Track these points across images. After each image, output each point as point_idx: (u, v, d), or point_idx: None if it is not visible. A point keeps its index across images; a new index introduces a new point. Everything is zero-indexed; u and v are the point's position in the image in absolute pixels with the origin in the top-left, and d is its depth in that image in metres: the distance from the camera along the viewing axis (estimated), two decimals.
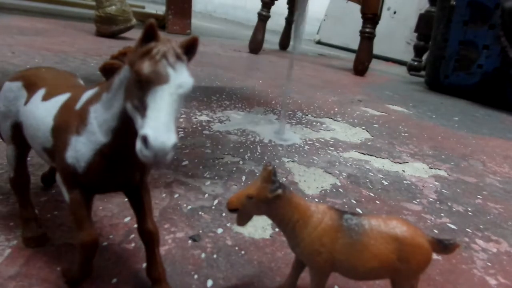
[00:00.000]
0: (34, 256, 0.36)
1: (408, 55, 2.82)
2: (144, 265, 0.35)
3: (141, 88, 0.24)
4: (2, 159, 0.53)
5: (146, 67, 0.24)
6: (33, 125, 0.33)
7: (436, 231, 0.54)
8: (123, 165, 0.29)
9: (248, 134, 0.81)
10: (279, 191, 0.30)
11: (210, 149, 0.69)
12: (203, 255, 0.41)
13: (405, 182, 0.70)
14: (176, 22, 2.20)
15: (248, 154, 0.70)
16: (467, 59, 1.75)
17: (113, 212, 0.45)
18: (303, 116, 1.03)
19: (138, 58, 0.24)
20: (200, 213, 0.49)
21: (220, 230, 0.45)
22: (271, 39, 2.71)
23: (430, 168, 0.80)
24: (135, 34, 1.76)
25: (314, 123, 0.98)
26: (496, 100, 1.70)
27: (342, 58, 2.74)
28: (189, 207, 0.50)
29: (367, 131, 1.00)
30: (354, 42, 2.49)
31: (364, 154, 0.82)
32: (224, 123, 0.85)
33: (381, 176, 0.71)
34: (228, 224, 0.47)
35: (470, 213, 0.61)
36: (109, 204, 0.47)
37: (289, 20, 2.43)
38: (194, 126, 0.80)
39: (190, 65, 0.26)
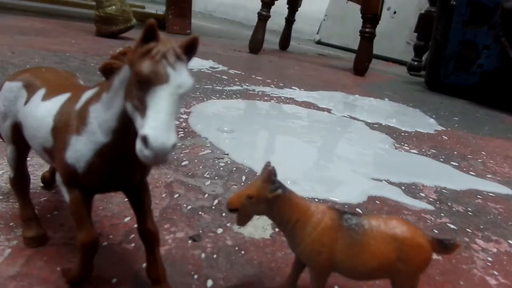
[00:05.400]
0: (35, 256, 0.36)
1: (408, 55, 2.82)
2: (144, 265, 0.35)
3: (141, 88, 0.24)
4: (2, 159, 0.53)
5: (146, 67, 0.24)
6: (33, 125, 0.33)
7: (436, 231, 0.54)
8: (123, 165, 0.29)
9: None
10: (279, 191, 0.30)
11: (210, 149, 0.69)
12: (203, 255, 0.41)
13: (405, 181, 0.70)
14: (176, 22, 2.20)
15: None
16: (467, 59, 1.75)
17: (113, 212, 0.45)
18: None
19: (138, 58, 0.24)
20: (200, 213, 0.49)
21: (220, 230, 0.46)
22: (271, 39, 2.71)
23: None
24: (135, 34, 1.76)
25: None
26: (496, 100, 1.70)
27: (342, 58, 2.74)
28: (189, 207, 0.50)
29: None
30: (354, 42, 2.49)
31: None
32: None
33: None
34: (228, 224, 0.47)
35: (470, 213, 0.61)
36: (109, 204, 0.47)
37: (289, 20, 2.43)
38: None
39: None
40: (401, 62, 2.99)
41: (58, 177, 0.31)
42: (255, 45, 2.04)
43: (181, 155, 0.65)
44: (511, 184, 0.77)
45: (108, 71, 0.28)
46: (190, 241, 0.42)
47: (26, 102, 0.34)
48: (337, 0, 3.44)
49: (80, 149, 0.29)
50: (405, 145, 0.92)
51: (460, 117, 1.39)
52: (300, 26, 3.42)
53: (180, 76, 0.24)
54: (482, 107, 1.67)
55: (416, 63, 2.59)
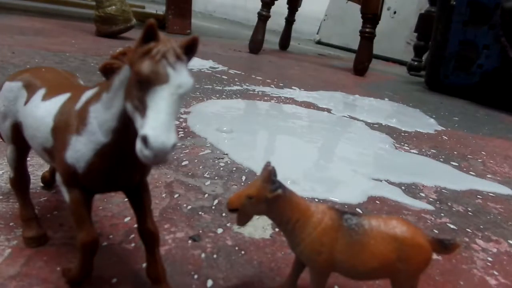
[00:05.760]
0: (34, 256, 0.36)
1: (408, 55, 2.82)
2: (144, 265, 0.35)
3: (141, 88, 0.24)
4: (2, 159, 0.53)
5: (146, 67, 0.24)
6: (33, 125, 0.33)
7: (436, 231, 0.54)
8: (123, 165, 0.29)
9: None
10: (279, 191, 0.30)
11: (210, 149, 0.69)
12: (203, 255, 0.41)
13: (405, 181, 0.70)
14: (176, 22, 2.20)
15: None
16: (467, 59, 1.75)
17: (113, 212, 0.45)
18: None
19: (138, 58, 0.24)
20: (200, 213, 0.49)
21: (220, 230, 0.46)
22: (271, 39, 2.71)
23: None
24: (135, 34, 1.76)
25: None
26: (496, 100, 1.70)
27: (342, 58, 2.74)
28: (189, 207, 0.50)
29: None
30: (354, 42, 2.49)
31: None
32: None
33: None
34: (228, 224, 0.47)
35: (470, 213, 0.61)
36: (109, 204, 0.47)
37: (289, 20, 2.42)
38: None
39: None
40: (401, 62, 2.99)
41: (58, 177, 0.31)
42: (255, 45, 2.04)
43: (181, 155, 0.65)
44: (511, 184, 0.77)
45: (108, 71, 0.28)
46: (190, 241, 0.42)
47: (26, 102, 0.34)
48: (337, 0, 3.44)
49: (80, 149, 0.29)
50: (405, 145, 0.92)
51: (460, 117, 1.39)
52: (300, 26, 3.42)
53: (180, 76, 0.24)
54: (482, 107, 1.67)
55: (416, 63, 2.59)
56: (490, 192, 0.71)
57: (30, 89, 0.35)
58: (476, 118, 1.43)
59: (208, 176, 0.59)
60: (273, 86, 1.33)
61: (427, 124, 1.18)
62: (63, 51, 1.26)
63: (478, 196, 0.69)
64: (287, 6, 2.38)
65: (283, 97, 1.19)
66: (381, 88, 1.73)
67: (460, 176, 0.77)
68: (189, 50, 0.26)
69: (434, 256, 0.46)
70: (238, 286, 0.37)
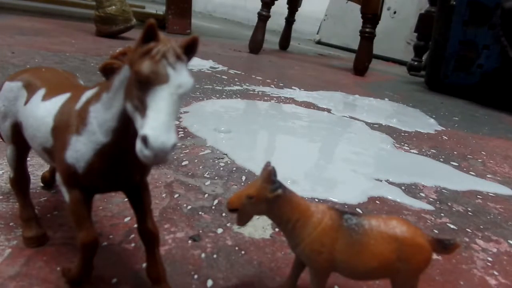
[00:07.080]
0: (34, 256, 0.36)
1: (408, 55, 2.82)
2: (144, 265, 0.35)
3: (141, 88, 0.24)
4: (2, 159, 0.53)
5: (145, 67, 0.24)
6: (33, 125, 0.33)
7: (436, 231, 0.54)
8: (123, 165, 0.29)
9: None
10: (279, 191, 0.30)
11: (210, 149, 0.69)
12: (203, 255, 0.41)
13: (405, 181, 0.70)
14: (176, 22, 2.20)
15: None
16: (467, 59, 1.75)
17: (113, 212, 0.45)
18: None
19: (138, 58, 0.24)
20: (200, 213, 0.49)
21: (220, 230, 0.46)
22: (271, 39, 2.71)
23: None
24: (135, 34, 1.76)
25: None
26: (496, 100, 1.70)
27: (342, 58, 2.74)
28: (189, 207, 0.50)
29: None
30: (354, 42, 2.49)
31: None
32: None
33: None
34: (228, 224, 0.47)
35: (470, 213, 0.61)
36: (109, 204, 0.47)
37: (289, 20, 2.43)
38: None
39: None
40: (401, 62, 2.99)
41: (58, 177, 0.31)
42: (255, 45, 2.04)
43: (181, 155, 0.65)
44: (511, 184, 0.77)
45: (108, 71, 0.28)
46: (190, 241, 0.42)
47: (26, 102, 0.34)
48: (337, 0, 3.44)
49: (80, 149, 0.29)
50: (405, 145, 0.92)
51: (460, 117, 1.39)
52: (300, 26, 3.42)
53: (180, 76, 0.24)
54: (482, 107, 1.67)
55: (416, 63, 2.59)
56: (490, 192, 0.71)
57: (30, 89, 0.35)
58: (476, 118, 1.43)
59: (208, 176, 0.59)
60: (273, 86, 1.33)
61: (427, 124, 1.18)
62: (63, 51, 1.26)
63: (478, 196, 0.69)
64: (287, 6, 2.38)
65: (283, 97, 1.19)
66: (381, 88, 1.73)
67: (460, 176, 0.77)
68: (189, 50, 0.26)
69: (434, 256, 0.46)
70: (238, 286, 0.37)
